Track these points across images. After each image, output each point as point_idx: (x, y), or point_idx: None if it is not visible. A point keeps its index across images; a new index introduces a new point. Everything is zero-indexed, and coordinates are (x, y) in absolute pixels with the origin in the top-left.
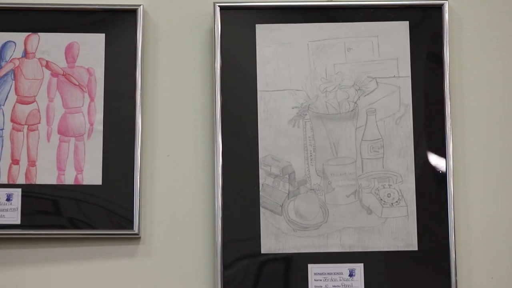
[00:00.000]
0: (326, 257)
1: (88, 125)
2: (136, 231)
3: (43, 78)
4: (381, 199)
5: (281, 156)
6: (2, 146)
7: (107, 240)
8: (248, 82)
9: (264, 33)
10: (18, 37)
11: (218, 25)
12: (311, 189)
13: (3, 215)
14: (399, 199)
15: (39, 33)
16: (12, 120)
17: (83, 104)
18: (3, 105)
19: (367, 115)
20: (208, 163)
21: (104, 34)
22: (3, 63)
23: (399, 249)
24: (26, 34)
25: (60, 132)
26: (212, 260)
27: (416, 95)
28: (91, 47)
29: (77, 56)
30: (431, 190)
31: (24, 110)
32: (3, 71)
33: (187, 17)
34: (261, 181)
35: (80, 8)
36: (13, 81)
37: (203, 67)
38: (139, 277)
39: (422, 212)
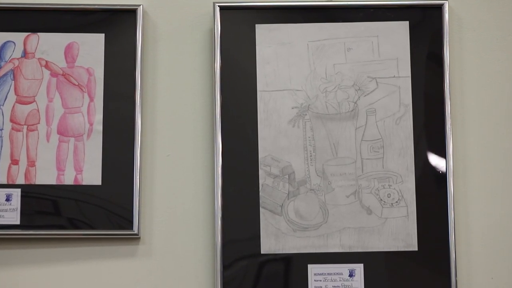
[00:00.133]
0: (326, 257)
1: (87, 125)
2: (135, 231)
3: (42, 78)
4: (381, 199)
5: (281, 156)
6: (2, 146)
7: (107, 240)
8: (248, 82)
9: (264, 33)
10: (18, 37)
11: (217, 25)
12: (311, 189)
13: (3, 216)
14: (399, 199)
15: (39, 33)
16: (11, 120)
17: (82, 104)
18: (3, 105)
19: (367, 115)
20: (208, 163)
21: (103, 34)
22: (2, 63)
23: (399, 250)
24: (26, 34)
25: (59, 132)
26: (212, 261)
27: (416, 95)
28: (91, 47)
29: (77, 56)
30: (431, 190)
31: (23, 110)
32: (3, 71)
33: (186, 17)
34: (261, 181)
35: (79, 8)
36: (13, 81)
37: (202, 67)
38: (139, 278)
39: (422, 213)
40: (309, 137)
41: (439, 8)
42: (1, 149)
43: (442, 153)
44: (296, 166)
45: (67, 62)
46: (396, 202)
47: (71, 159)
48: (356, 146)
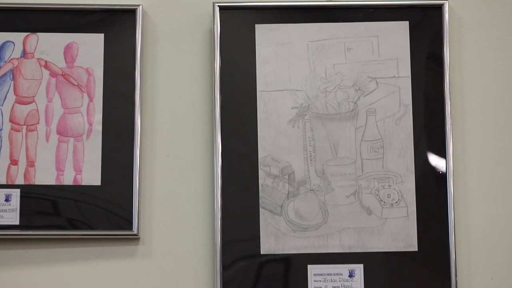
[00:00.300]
0: (326, 257)
1: (87, 125)
2: (135, 231)
3: (42, 78)
4: (381, 200)
5: (281, 156)
6: (1, 147)
7: (106, 240)
8: (248, 82)
9: (264, 33)
10: (17, 37)
11: (217, 25)
12: (310, 190)
13: (2, 216)
14: (399, 199)
15: (38, 33)
16: (11, 121)
17: (82, 104)
18: (2, 105)
19: (367, 115)
20: (208, 164)
21: (103, 34)
22: (1, 63)
23: (399, 250)
24: (25, 34)
25: (59, 132)
26: (212, 261)
27: (416, 95)
28: (90, 47)
29: (76, 56)
30: (431, 191)
31: (23, 110)
32: (2, 71)
33: (186, 17)
34: (260, 181)
35: (79, 8)
36: (12, 81)
37: (202, 67)
38: (138, 278)
39: (422, 213)
40: (309, 137)
41: (439, 8)
42: (1, 149)
43: (442, 153)
44: (296, 166)
45: (66, 62)
46: (396, 202)
47: (70, 159)
48: (356, 146)
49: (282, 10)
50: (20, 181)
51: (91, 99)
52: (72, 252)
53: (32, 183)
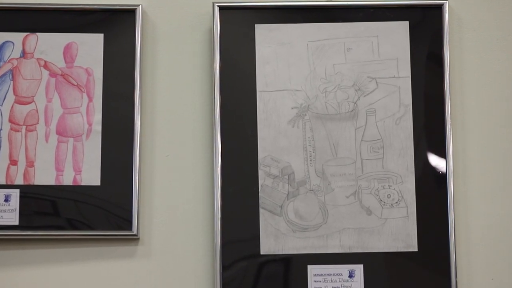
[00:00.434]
0: (326, 258)
1: (86, 126)
2: (134, 232)
3: (41, 78)
4: (381, 200)
5: (281, 156)
6: (0, 147)
7: (106, 241)
8: (248, 82)
9: (264, 33)
10: (16, 37)
11: (217, 25)
12: (310, 190)
13: (1, 216)
14: (399, 199)
15: (38, 33)
16: (10, 121)
17: (81, 105)
18: (1, 105)
19: (367, 115)
20: (207, 164)
21: (102, 34)
22: (1, 63)
23: (399, 250)
24: (24, 34)
25: (58, 132)
26: (211, 261)
27: (416, 96)
28: (90, 47)
29: (76, 56)
30: (431, 191)
31: (22, 111)
32: (1, 71)
33: (186, 17)
34: (260, 181)
35: (78, 8)
36: (11, 81)
37: (202, 67)
38: (138, 278)
39: (422, 213)
40: (308, 138)
41: (439, 8)
42: (0, 149)
43: (442, 153)
44: (295, 166)
45: (66, 62)
46: (396, 202)
47: (70, 160)
48: (356, 147)
49: (282, 10)
50: (19, 181)
51: (90, 99)
52: (72, 252)
53: (31, 183)
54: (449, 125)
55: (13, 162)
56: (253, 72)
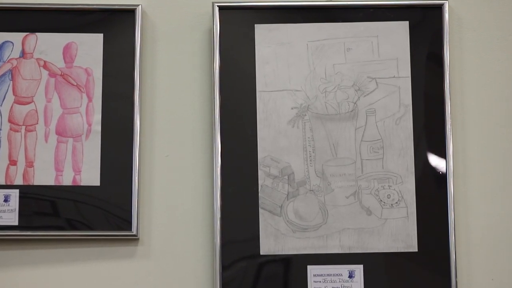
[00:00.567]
0: (326, 258)
1: (86, 126)
2: (134, 232)
3: (41, 79)
4: (381, 200)
5: (280, 156)
6: (0, 147)
7: (105, 241)
8: (247, 82)
9: (263, 33)
10: (16, 37)
11: (217, 25)
12: (310, 190)
13: (1, 216)
14: (399, 200)
15: (37, 33)
16: (9, 121)
17: (81, 105)
18: (1, 105)
19: (366, 115)
20: (207, 164)
21: (102, 34)
22: (0, 64)
23: (399, 251)
24: (24, 34)
25: (58, 132)
26: (211, 261)
27: (416, 96)
28: (89, 47)
29: (75, 56)
30: (431, 191)
31: (21, 111)
32: (1, 72)
33: (185, 17)
34: (260, 182)
35: (78, 8)
36: (11, 82)
37: (202, 67)
38: (138, 279)
39: (422, 213)
40: (308, 138)
41: (439, 8)
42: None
43: (442, 153)
44: (295, 166)
45: (65, 62)
46: (396, 203)
47: (69, 160)
48: (355, 147)
49: (281, 10)
50: (19, 181)
51: (90, 99)
52: (71, 252)
53: (31, 184)
54: (449, 125)
55: (13, 162)
56: (253, 72)
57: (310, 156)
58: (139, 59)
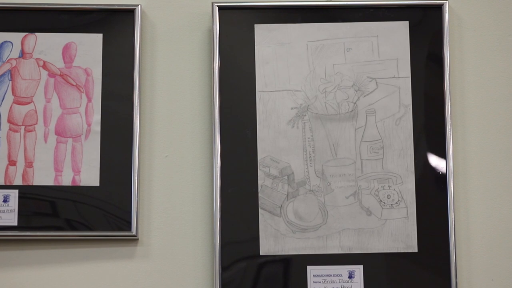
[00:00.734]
0: (325, 258)
1: (85, 126)
2: (134, 232)
3: (40, 79)
4: (381, 200)
5: (280, 157)
6: None
7: (105, 241)
8: (247, 82)
9: (263, 33)
10: (15, 37)
11: (216, 25)
12: (310, 190)
13: (0, 217)
14: (399, 200)
15: (36, 33)
16: (9, 121)
17: (80, 105)
18: (0, 105)
19: (366, 115)
20: (207, 164)
21: (101, 34)
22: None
23: (399, 251)
24: (23, 34)
25: (57, 133)
26: (211, 262)
27: (416, 96)
28: (89, 47)
29: (75, 56)
30: (431, 191)
31: (21, 111)
32: (0, 72)
33: (185, 17)
34: (259, 182)
35: (77, 8)
36: (10, 82)
37: (201, 68)
38: (137, 279)
39: (422, 214)
40: (308, 138)
41: (439, 8)
42: None
43: (442, 153)
44: (295, 167)
45: (65, 62)
46: (396, 203)
47: (69, 160)
48: (355, 147)
49: (281, 10)
50: (18, 181)
51: (89, 100)
52: (71, 253)
53: (30, 184)
54: (449, 125)
55: (12, 162)
56: (253, 72)
57: (310, 156)
58: (139, 59)
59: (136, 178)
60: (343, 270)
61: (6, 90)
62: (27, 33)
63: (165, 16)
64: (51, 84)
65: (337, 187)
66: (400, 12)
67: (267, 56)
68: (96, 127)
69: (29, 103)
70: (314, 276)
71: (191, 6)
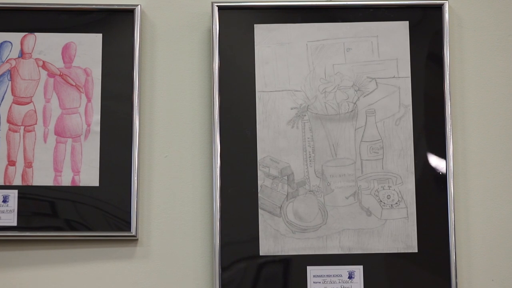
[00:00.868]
0: (325, 259)
1: (85, 126)
2: (133, 233)
3: (39, 79)
4: (381, 201)
5: (280, 157)
6: None
7: (104, 242)
8: (247, 82)
9: (263, 33)
10: (15, 37)
11: (216, 25)
12: (310, 191)
13: (0, 217)
14: (398, 200)
15: (36, 33)
16: (8, 121)
17: (80, 105)
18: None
19: (366, 116)
20: (206, 164)
21: (101, 34)
22: None
23: (399, 251)
24: (23, 34)
25: (56, 133)
26: (210, 262)
27: (416, 96)
28: (88, 47)
29: (74, 56)
30: (431, 192)
31: (20, 111)
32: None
33: (185, 17)
34: (259, 182)
35: (77, 8)
36: (10, 82)
37: (201, 68)
38: (137, 279)
39: (422, 214)
40: (308, 138)
41: (439, 8)
42: None
43: (442, 154)
44: (295, 167)
45: (64, 62)
46: (396, 203)
47: (68, 160)
48: (355, 147)
49: (281, 10)
50: (18, 182)
51: (89, 100)
52: (70, 253)
53: (30, 184)
54: (449, 125)
55: (11, 162)
56: (252, 72)
57: (310, 157)
58: (138, 59)
59: (136, 178)
60: (343, 270)
61: (6, 90)
62: (26, 33)
63: (164, 16)
64: (51, 84)
65: (337, 187)
66: (400, 12)
67: (267, 56)
68: (96, 127)
69: (28, 103)
70: (314, 276)
71: (190, 6)
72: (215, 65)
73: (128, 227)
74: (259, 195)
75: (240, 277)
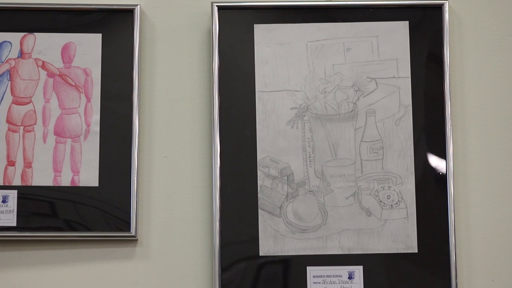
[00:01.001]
0: (325, 259)
1: (84, 126)
2: (133, 233)
3: (39, 79)
4: (381, 201)
5: (280, 157)
6: None
7: (104, 242)
8: (246, 82)
9: (263, 33)
10: (14, 37)
11: (216, 25)
12: (310, 191)
13: None
14: (398, 200)
15: (35, 33)
16: (7, 121)
17: (79, 105)
18: None
19: (366, 116)
20: (206, 165)
21: (101, 34)
22: None
23: (399, 252)
24: (22, 34)
25: (56, 133)
26: (210, 263)
27: (416, 96)
28: (88, 47)
29: (74, 56)
30: (431, 192)
31: (20, 111)
32: None
33: (184, 17)
34: (259, 182)
35: (76, 8)
36: (9, 82)
37: (200, 68)
38: (136, 280)
39: (422, 214)
40: (308, 138)
41: (439, 8)
42: None
43: (442, 154)
44: (295, 167)
45: (64, 62)
46: (396, 203)
47: (68, 160)
48: (355, 147)
49: (281, 10)
50: (17, 182)
51: (88, 100)
52: (70, 253)
53: (29, 184)
54: (449, 125)
55: (11, 163)
56: (252, 72)
57: (310, 157)
58: (138, 59)
59: (135, 178)
60: (343, 270)
61: (5, 90)
62: (26, 33)
63: (164, 16)
64: (50, 84)
65: (337, 187)
66: (400, 12)
67: (266, 56)
68: (95, 128)
69: (28, 103)
70: (314, 276)
71: (190, 6)
72: (214, 65)
73: (127, 228)
74: (258, 195)
75: (240, 278)
